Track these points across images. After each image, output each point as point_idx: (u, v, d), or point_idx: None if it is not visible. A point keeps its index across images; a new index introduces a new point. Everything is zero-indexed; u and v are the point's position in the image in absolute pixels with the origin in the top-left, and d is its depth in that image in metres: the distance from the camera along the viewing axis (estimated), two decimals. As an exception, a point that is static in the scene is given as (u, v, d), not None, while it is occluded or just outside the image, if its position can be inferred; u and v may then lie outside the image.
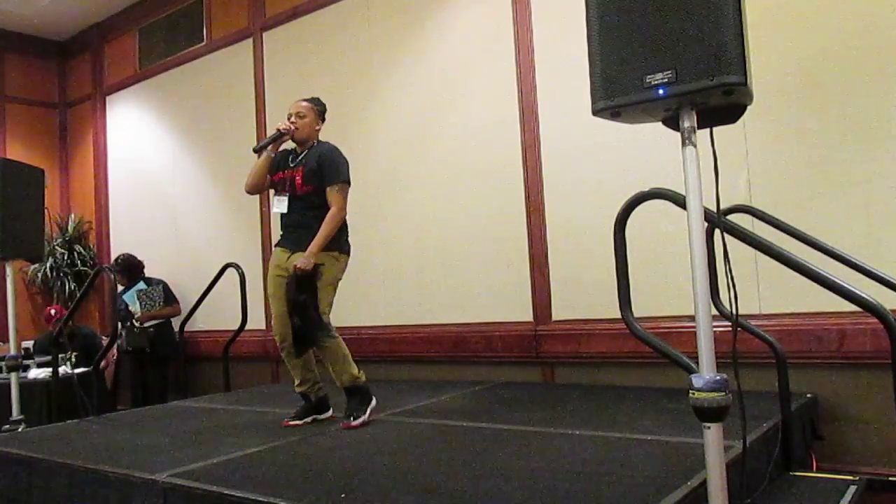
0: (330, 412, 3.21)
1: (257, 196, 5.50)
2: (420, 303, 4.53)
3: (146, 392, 5.42)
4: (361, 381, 3.09)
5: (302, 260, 2.92)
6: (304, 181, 3.07)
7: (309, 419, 3.14)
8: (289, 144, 3.23)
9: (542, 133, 4.07)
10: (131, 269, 5.59)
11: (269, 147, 3.13)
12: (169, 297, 5.58)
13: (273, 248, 3.22)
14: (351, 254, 3.18)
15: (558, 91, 4.00)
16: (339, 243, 3.08)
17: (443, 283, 4.45)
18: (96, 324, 6.77)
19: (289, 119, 3.15)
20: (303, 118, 3.15)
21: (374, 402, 3.13)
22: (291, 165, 3.15)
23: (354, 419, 2.99)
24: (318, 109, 3.22)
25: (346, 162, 3.13)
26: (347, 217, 3.12)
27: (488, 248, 4.26)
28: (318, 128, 3.21)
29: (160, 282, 5.63)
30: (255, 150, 3.15)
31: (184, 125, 6.22)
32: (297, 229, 3.08)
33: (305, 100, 3.23)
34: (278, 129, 3.12)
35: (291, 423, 3.09)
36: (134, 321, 5.30)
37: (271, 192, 3.27)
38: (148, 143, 6.56)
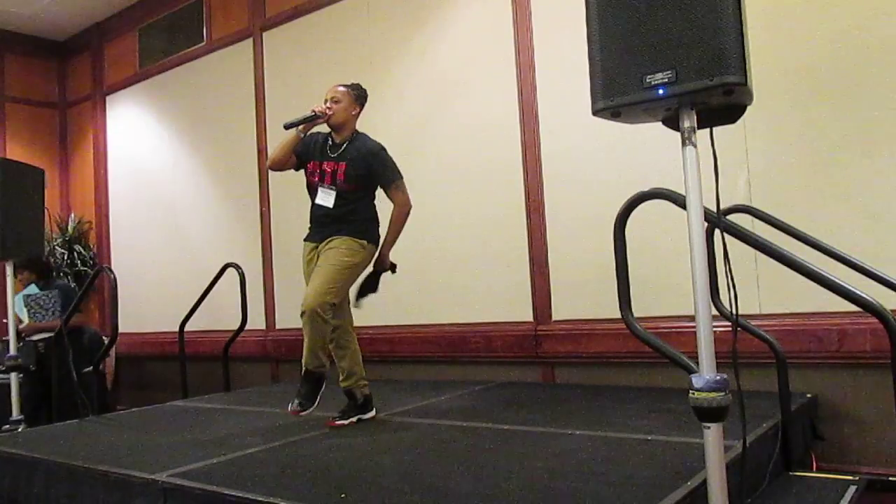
0: (373, 413, 3.17)
1: (257, 196, 5.53)
2: (420, 303, 4.53)
3: (47, 411, 4.66)
4: (320, 371, 3.00)
5: (387, 260, 3.09)
6: (347, 180, 3.03)
7: (354, 419, 3.08)
8: (324, 129, 3.15)
9: (542, 133, 4.08)
10: (36, 264, 4.79)
11: (301, 127, 3.05)
12: (69, 306, 4.68)
13: (303, 243, 3.16)
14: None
15: (558, 91, 4.00)
16: (370, 232, 3.09)
17: (443, 283, 4.45)
18: (96, 324, 6.77)
19: (325, 103, 3.08)
20: (338, 103, 3.07)
21: (314, 396, 3.01)
22: (332, 156, 3.08)
23: (341, 419, 3.03)
24: (355, 94, 3.14)
25: (392, 159, 3.11)
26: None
27: (488, 247, 4.26)
28: (354, 113, 3.13)
29: (59, 286, 4.96)
30: (285, 127, 3.06)
31: (184, 125, 6.22)
32: (331, 223, 3.04)
33: (343, 84, 3.15)
34: (313, 111, 3.04)
35: (337, 423, 3.03)
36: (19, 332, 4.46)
37: (271, 176, 3.25)
38: (148, 143, 6.56)
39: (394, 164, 3.09)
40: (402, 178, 3.09)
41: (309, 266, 3.10)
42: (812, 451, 2.97)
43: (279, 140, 3.13)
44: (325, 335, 2.98)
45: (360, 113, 3.17)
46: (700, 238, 1.71)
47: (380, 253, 3.10)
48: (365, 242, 3.05)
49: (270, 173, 5.43)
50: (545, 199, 4.05)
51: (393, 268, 3.16)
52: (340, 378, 3.10)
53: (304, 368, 3.02)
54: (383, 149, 3.10)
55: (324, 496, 2.00)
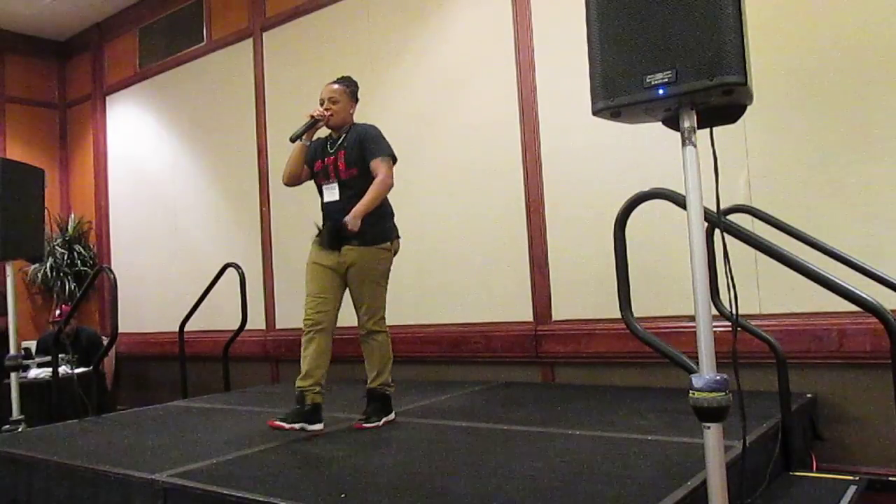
0: (320, 426, 2.88)
1: (257, 196, 5.53)
2: (420, 303, 4.53)
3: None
4: (390, 391, 3.06)
5: (350, 220, 2.84)
6: (347, 165, 2.99)
7: (297, 426, 2.81)
8: (323, 132, 3.12)
9: (542, 133, 4.07)
10: None
11: (304, 136, 3.02)
12: None
13: (314, 238, 3.07)
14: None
15: (558, 91, 4.00)
16: (387, 232, 3.03)
17: (443, 283, 4.45)
18: (96, 324, 6.77)
19: (321, 105, 3.04)
20: (336, 103, 3.03)
21: (392, 415, 3.07)
22: (331, 151, 3.06)
23: (368, 422, 2.95)
24: (351, 90, 3.10)
25: (387, 140, 3.04)
26: None
27: (488, 248, 4.26)
28: (352, 111, 3.10)
29: None
30: (291, 140, 3.02)
31: (184, 125, 6.22)
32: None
33: (337, 82, 3.10)
34: (312, 116, 3.00)
35: (277, 423, 2.80)
36: None
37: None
38: (148, 143, 6.56)
39: (386, 142, 3.03)
40: (391, 156, 3.00)
41: (315, 264, 3.00)
42: (812, 451, 2.96)
43: (287, 154, 3.11)
44: (390, 348, 3.04)
45: (354, 107, 3.12)
46: (700, 238, 1.71)
47: (352, 213, 2.86)
48: (388, 244, 3.04)
49: (270, 174, 5.44)
50: (545, 199, 4.05)
51: (344, 228, 2.87)
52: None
53: (373, 389, 3.03)
54: (378, 129, 3.06)
55: (324, 496, 2.00)
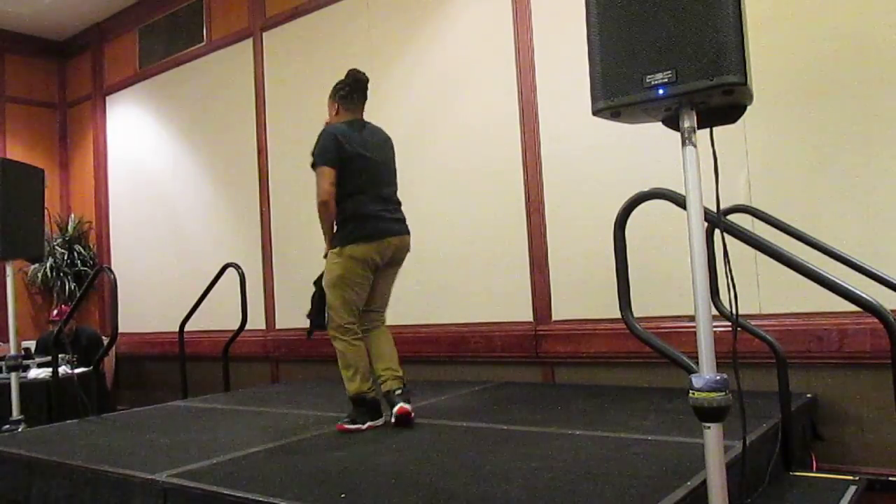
0: (382, 420, 2.96)
1: (257, 196, 5.53)
2: (420, 303, 4.53)
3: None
4: (368, 396, 2.94)
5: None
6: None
7: (364, 426, 2.90)
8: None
9: (542, 133, 4.08)
10: None
11: None
12: None
13: None
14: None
15: (558, 91, 4.00)
16: (339, 238, 2.93)
17: (443, 284, 4.45)
18: (96, 324, 6.77)
19: None
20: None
21: (381, 420, 2.96)
22: None
23: (349, 423, 2.89)
24: (331, 94, 3.13)
25: (332, 143, 2.88)
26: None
27: (488, 248, 4.27)
28: (334, 112, 3.10)
29: None
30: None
31: (184, 125, 6.22)
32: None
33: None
34: None
35: (347, 426, 2.91)
36: None
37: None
38: (148, 143, 6.56)
39: (322, 146, 2.90)
40: (323, 164, 2.87)
41: None
42: (812, 451, 2.97)
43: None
44: (353, 356, 2.92)
45: (340, 105, 3.08)
46: (700, 238, 1.71)
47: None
48: (338, 249, 2.92)
49: (270, 173, 5.43)
50: (545, 200, 4.05)
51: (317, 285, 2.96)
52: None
53: (349, 397, 2.96)
54: (326, 132, 2.94)
55: (324, 496, 2.00)
